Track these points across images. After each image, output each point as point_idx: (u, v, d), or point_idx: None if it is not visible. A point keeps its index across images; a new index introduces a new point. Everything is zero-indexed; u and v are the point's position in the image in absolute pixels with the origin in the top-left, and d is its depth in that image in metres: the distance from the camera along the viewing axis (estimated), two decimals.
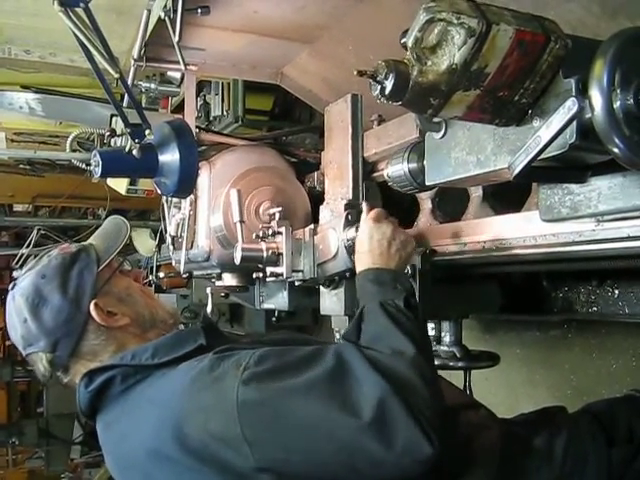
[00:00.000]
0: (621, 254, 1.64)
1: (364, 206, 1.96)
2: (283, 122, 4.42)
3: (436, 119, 1.53)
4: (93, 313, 1.74)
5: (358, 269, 1.84)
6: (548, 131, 1.16)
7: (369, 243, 1.83)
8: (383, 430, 1.40)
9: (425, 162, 1.69)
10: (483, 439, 1.84)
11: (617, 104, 1.11)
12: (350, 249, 2.04)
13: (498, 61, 1.22)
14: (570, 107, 1.13)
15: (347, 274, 2.13)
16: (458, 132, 1.53)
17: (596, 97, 1.11)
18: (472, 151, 1.49)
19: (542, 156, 1.22)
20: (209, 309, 2.83)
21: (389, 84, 1.22)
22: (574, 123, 1.17)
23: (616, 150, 1.12)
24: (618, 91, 1.12)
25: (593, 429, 1.97)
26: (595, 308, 2.53)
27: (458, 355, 2.34)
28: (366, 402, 1.41)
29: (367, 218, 1.90)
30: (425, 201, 2.32)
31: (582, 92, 1.17)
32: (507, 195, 2.03)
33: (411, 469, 1.43)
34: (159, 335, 1.78)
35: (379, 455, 1.41)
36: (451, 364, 2.34)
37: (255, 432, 1.44)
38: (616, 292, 2.45)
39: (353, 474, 1.46)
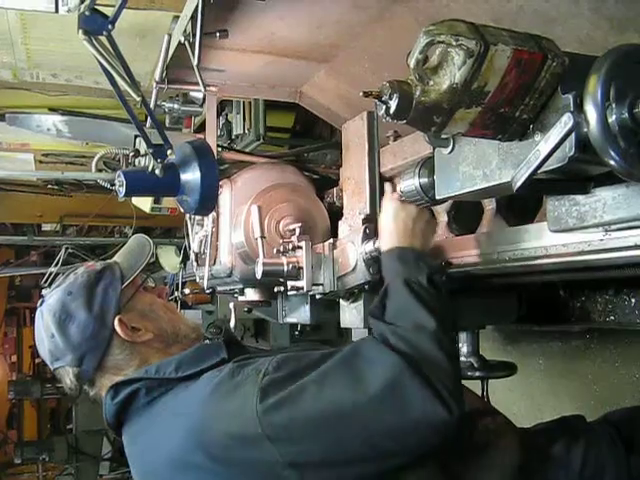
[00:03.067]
0: (630, 263, 1.67)
1: (387, 187, 1.98)
2: (304, 139, 4.45)
3: (444, 135, 1.57)
4: (117, 328, 1.80)
5: (382, 248, 1.87)
6: (547, 145, 1.21)
7: (394, 221, 1.86)
8: (396, 400, 1.44)
9: (435, 177, 1.73)
10: (500, 445, 1.86)
11: (612, 118, 1.15)
12: (369, 262, 2.08)
13: (497, 79, 1.27)
14: (566, 122, 1.17)
15: (366, 287, 2.16)
16: (465, 147, 1.57)
17: (591, 112, 1.15)
18: (479, 165, 1.53)
19: (543, 169, 1.26)
20: (232, 324, 2.87)
21: (393, 104, 1.27)
22: (572, 137, 1.21)
23: (612, 162, 1.15)
24: (613, 105, 1.15)
25: (612, 438, 1.98)
26: (612, 317, 2.54)
27: (475, 365, 2.37)
28: (377, 378, 1.46)
29: (392, 197, 1.93)
30: (441, 214, 2.35)
31: (580, 107, 1.21)
32: (520, 207, 2.07)
33: (431, 437, 1.47)
34: (182, 350, 1.83)
35: (396, 425, 1.45)
36: (469, 374, 2.35)
37: (276, 430, 1.48)
38: (632, 301, 2.46)
39: (375, 452, 1.50)
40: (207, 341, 1.93)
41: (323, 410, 1.49)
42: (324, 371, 1.53)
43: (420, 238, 1.84)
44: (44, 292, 1.92)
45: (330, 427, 1.49)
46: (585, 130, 1.18)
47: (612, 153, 1.14)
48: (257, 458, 1.50)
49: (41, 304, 1.88)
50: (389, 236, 1.86)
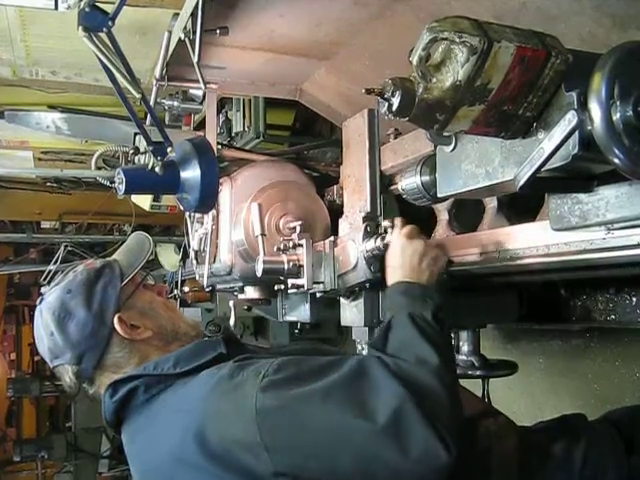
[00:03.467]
0: (632, 262, 1.66)
1: (397, 222, 1.98)
2: (304, 137, 4.46)
3: (446, 133, 1.56)
4: (117, 326, 1.79)
5: (389, 282, 1.87)
6: (550, 143, 1.20)
7: (401, 258, 1.85)
8: (399, 436, 1.41)
9: (437, 175, 1.72)
10: (502, 447, 1.86)
11: (617, 116, 1.14)
12: (370, 260, 2.07)
13: (501, 77, 1.26)
14: (570, 120, 1.17)
15: (367, 285, 2.16)
16: (467, 145, 1.57)
17: (595, 110, 1.14)
18: (481, 163, 1.52)
19: (546, 167, 1.25)
20: (232, 322, 2.87)
21: (396, 101, 1.27)
22: (576, 135, 1.20)
23: (616, 161, 1.15)
24: (617, 103, 1.15)
25: (613, 437, 1.97)
26: (613, 316, 2.53)
27: (476, 364, 2.36)
28: (382, 408, 1.44)
29: (400, 234, 1.92)
30: (442, 212, 2.35)
31: (583, 105, 1.20)
32: (522, 205, 2.06)
33: (427, 477, 1.44)
34: (181, 347, 1.83)
35: (395, 461, 1.42)
36: (469, 373, 2.35)
37: (273, 438, 1.47)
38: (634, 300, 2.46)
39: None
40: (206, 338, 1.92)
41: (324, 429, 1.47)
42: (328, 387, 1.51)
43: (427, 274, 1.83)
44: (43, 290, 1.91)
45: (328, 448, 1.47)
46: (589, 128, 1.17)
47: (616, 151, 1.13)
48: (251, 464, 1.49)
49: (40, 302, 1.87)
50: (396, 271, 1.86)
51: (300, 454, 1.48)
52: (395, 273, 1.86)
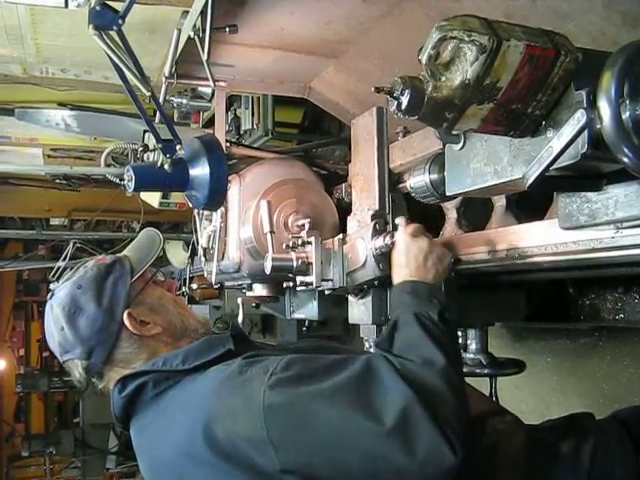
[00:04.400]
0: None
1: (402, 221, 1.98)
2: (313, 134, 4.45)
3: (455, 131, 1.56)
4: (126, 322, 1.80)
5: (395, 281, 1.87)
6: (559, 142, 1.20)
7: (406, 257, 1.85)
8: (406, 437, 1.42)
9: (445, 173, 1.72)
10: (509, 445, 1.86)
11: (626, 114, 1.14)
12: (378, 258, 2.07)
13: (510, 75, 1.27)
14: (579, 118, 1.17)
15: (375, 282, 2.16)
16: (476, 144, 1.57)
17: (604, 108, 1.14)
18: (490, 162, 1.52)
19: (555, 166, 1.25)
20: (240, 319, 2.87)
21: (405, 99, 1.27)
22: (585, 133, 1.20)
23: (626, 159, 1.15)
24: (627, 102, 1.15)
25: (620, 436, 1.97)
26: (622, 315, 2.53)
27: (484, 362, 2.36)
28: (390, 409, 1.44)
29: (405, 233, 1.92)
30: (450, 211, 2.35)
31: (593, 103, 1.20)
32: (530, 204, 2.06)
33: (433, 478, 1.45)
34: (190, 344, 1.83)
35: (401, 463, 1.42)
36: (477, 371, 2.35)
37: (280, 435, 1.47)
38: None
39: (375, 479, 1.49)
40: (214, 335, 1.92)
41: (330, 428, 1.47)
42: (336, 386, 1.51)
43: (433, 272, 1.83)
44: (52, 286, 1.92)
45: (334, 447, 1.47)
46: (598, 127, 1.17)
47: (625, 150, 1.13)
48: (257, 461, 1.49)
49: (51, 297, 1.88)
50: (401, 270, 1.86)
51: (306, 452, 1.48)
52: (400, 272, 1.86)
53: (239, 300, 2.94)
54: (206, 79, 2.41)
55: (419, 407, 1.43)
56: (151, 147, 3.07)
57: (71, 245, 5.82)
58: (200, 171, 2.04)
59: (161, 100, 2.43)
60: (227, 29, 2.26)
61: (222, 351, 1.71)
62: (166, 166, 2.00)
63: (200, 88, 3.08)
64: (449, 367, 1.55)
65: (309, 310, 2.80)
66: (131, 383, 1.73)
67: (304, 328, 4.42)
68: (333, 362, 1.60)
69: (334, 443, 1.47)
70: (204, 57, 2.23)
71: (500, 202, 2.13)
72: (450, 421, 1.45)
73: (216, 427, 1.54)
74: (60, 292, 1.85)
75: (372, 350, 2.18)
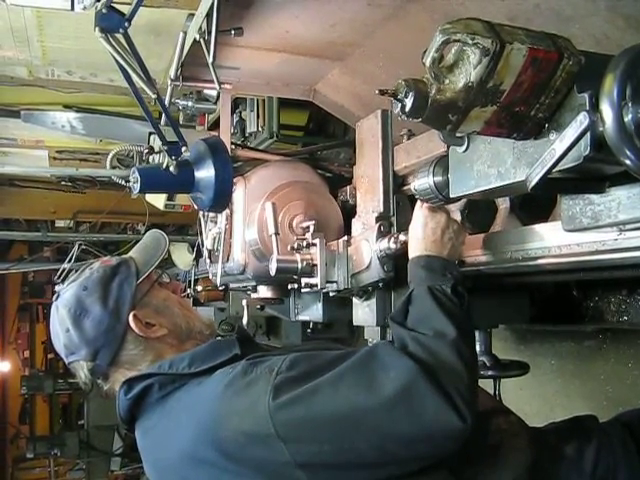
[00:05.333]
0: None
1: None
2: (318, 137, 4.47)
3: (458, 134, 1.57)
4: (132, 324, 1.80)
5: (410, 255, 1.87)
6: (562, 144, 1.21)
7: (423, 230, 1.85)
8: (410, 407, 1.44)
9: (449, 175, 1.73)
10: (512, 445, 1.85)
11: (628, 117, 1.14)
12: (383, 260, 2.08)
13: (513, 78, 1.27)
14: (582, 121, 1.17)
15: (380, 284, 2.17)
16: (480, 146, 1.57)
17: (607, 111, 1.15)
18: (493, 164, 1.53)
19: (558, 168, 1.26)
20: (244, 321, 2.88)
21: (409, 102, 1.28)
22: (588, 136, 1.20)
23: (628, 162, 1.15)
24: (629, 104, 1.15)
25: (624, 438, 1.97)
26: (626, 317, 2.53)
27: (488, 364, 2.36)
28: (391, 383, 1.46)
29: (423, 206, 1.92)
30: (454, 213, 2.34)
31: (595, 106, 1.21)
32: (534, 206, 2.06)
33: (443, 445, 1.47)
34: (195, 346, 1.83)
35: (408, 431, 1.45)
36: (481, 373, 2.35)
37: (288, 430, 1.48)
38: None
39: (387, 457, 1.50)
40: (220, 338, 1.93)
41: (336, 412, 1.49)
42: (338, 373, 1.53)
43: (448, 247, 1.83)
44: (58, 287, 1.92)
45: (342, 430, 1.48)
46: (600, 129, 1.18)
47: (628, 152, 1.14)
48: (268, 457, 1.51)
49: (56, 299, 1.89)
50: (417, 244, 1.86)
51: (315, 441, 1.49)
52: (417, 245, 1.86)
53: (244, 302, 2.94)
54: (211, 81, 2.41)
55: (422, 377, 1.45)
56: (156, 149, 3.08)
57: (76, 247, 5.80)
58: (205, 173, 2.05)
59: (167, 102, 2.44)
60: (232, 32, 2.26)
61: (229, 356, 1.72)
62: (171, 168, 2.02)
63: (205, 90, 3.10)
64: (460, 339, 1.56)
65: (314, 312, 2.80)
66: (137, 385, 1.74)
67: (309, 330, 4.42)
68: (336, 356, 1.61)
69: (341, 426, 1.48)
70: (209, 60, 2.24)
71: (504, 204, 2.14)
72: (460, 389, 1.47)
73: (222, 428, 1.55)
74: (66, 293, 1.86)
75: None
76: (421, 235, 1.85)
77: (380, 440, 1.48)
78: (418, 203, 1.96)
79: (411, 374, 1.46)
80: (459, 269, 1.81)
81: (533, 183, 1.28)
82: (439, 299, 1.66)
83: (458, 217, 2.31)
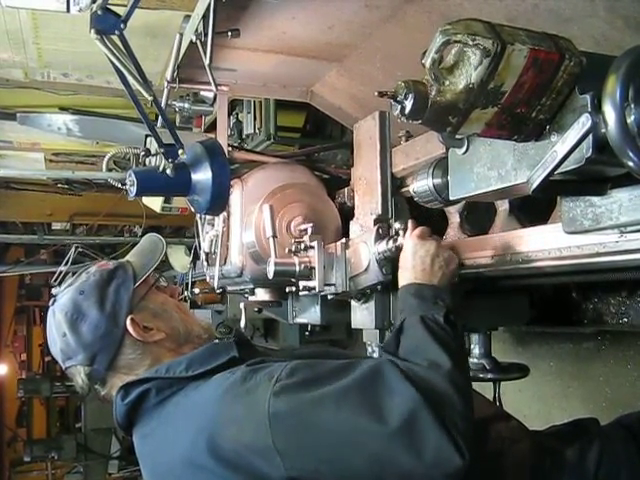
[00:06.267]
0: None
1: (409, 223, 1.97)
2: (315, 139, 4.45)
3: (458, 135, 1.56)
4: (129, 328, 1.79)
5: (401, 283, 1.86)
6: (564, 146, 1.19)
7: (412, 259, 1.84)
8: (412, 440, 1.41)
9: (449, 177, 1.71)
10: (514, 451, 1.85)
11: (631, 118, 1.13)
12: (381, 262, 2.07)
13: (514, 79, 1.26)
14: (584, 123, 1.16)
15: (378, 287, 2.16)
16: (480, 148, 1.56)
17: (609, 112, 1.14)
18: (493, 166, 1.52)
19: (560, 170, 1.25)
20: (242, 324, 2.87)
21: (409, 104, 1.26)
22: (590, 137, 1.19)
23: (631, 164, 1.14)
24: (632, 106, 1.14)
25: (625, 441, 1.96)
26: (625, 319, 2.52)
27: (487, 367, 2.35)
28: (396, 412, 1.43)
29: (412, 235, 1.91)
30: (453, 215, 2.34)
31: (597, 107, 1.20)
32: (534, 208, 2.05)
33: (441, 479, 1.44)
34: (193, 349, 1.82)
35: (408, 465, 1.42)
36: (481, 376, 2.34)
37: (286, 442, 1.46)
38: None
39: None
40: (217, 341, 1.91)
41: (337, 432, 1.46)
42: (343, 389, 1.50)
43: (439, 276, 1.82)
44: (54, 291, 1.91)
45: (341, 452, 1.46)
46: (603, 131, 1.17)
47: (630, 154, 1.13)
48: (263, 469, 1.48)
49: (53, 303, 1.87)
50: (407, 273, 1.85)
51: (313, 458, 1.47)
52: (406, 274, 1.85)
53: (241, 305, 2.93)
54: (208, 83, 2.41)
55: (426, 409, 1.43)
56: (153, 152, 3.05)
57: (73, 250, 5.81)
58: (202, 176, 2.03)
59: (163, 104, 2.43)
60: (229, 33, 2.25)
61: (226, 359, 1.70)
62: (168, 171, 2.00)
63: (202, 92, 3.09)
64: (455, 369, 1.54)
65: (312, 315, 2.79)
66: (134, 390, 1.72)
67: (307, 332, 4.42)
68: (338, 367, 1.59)
69: (340, 447, 1.46)
70: (206, 61, 2.23)
71: (503, 206, 2.12)
72: (457, 423, 1.44)
73: (220, 435, 1.53)
74: (62, 298, 1.84)
75: (376, 354, 2.18)
76: (410, 264, 1.84)
77: (378, 467, 1.45)
78: (408, 232, 1.94)
79: (415, 404, 1.43)
80: (450, 297, 1.79)
81: (535, 185, 1.27)
82: (431, 328, 1.64)
83: (457, 219, 2.31)
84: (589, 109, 1.23)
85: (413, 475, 1.44)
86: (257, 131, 4.14)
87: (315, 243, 2.20)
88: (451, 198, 1.73)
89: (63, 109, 4.09)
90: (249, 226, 2.57)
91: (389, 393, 1.47)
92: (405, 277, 1.85)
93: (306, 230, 2.34)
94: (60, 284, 1.92)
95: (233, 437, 1.52)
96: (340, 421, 1.46)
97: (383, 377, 1.51)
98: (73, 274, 1.95)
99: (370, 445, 1.44)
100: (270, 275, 2.19)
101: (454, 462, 1.40)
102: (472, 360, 2.38)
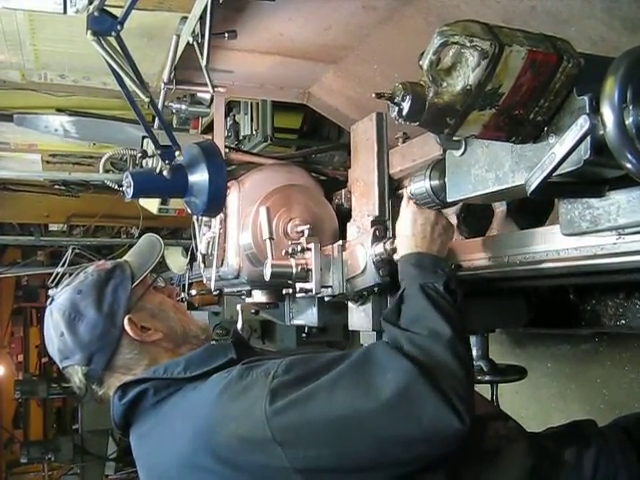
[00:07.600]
0: None
1: (405, 192, 1.98)
2: (312, 140, 4.44)
3: (456, 137, 1.55)
4: (127, 328, 1.79)
5: (400, 253, 1.86)
6: (562, 148, 1.19)
7: (412, 227, 1.85)
8: (409, 409, 1.43)
9: (446, 179, 1.71)
10: (511, 451, 1.84)
11: (629, 120, 1.13)
12: (378, 264, 2.07)
13: (512, 81, 1.26)
14: (582, 124, 1.16)
15: (375, 289, 2.16)
16: (477, 149, 1.56)
17: (607, 114, 1.13)
18: (491, 168, 1.51)
19: (558, 172, 1.24)
20: (239, 325, 2.86)
21: (406, 105, 1.26)
22: (588, 139, 1.19)
23: (629, 165, 1.14)
24: (630, 107, 1.13)
25: (623, 443, 1.96)
26: (623, 321, 2.51)
27: (485, 369, 2.35)
28: (390, 386, 1.45)
29: (410, 203, 1.91)
30: (451, 217, 2.33)
31: (595, 109, 1.19)
32: (531, 209, 2.05)
33: (442, 446, 1.46)
34: (191, 350, 1.83)
35: (406, 433, 1.44)
36: (478, 378, 2.34)
37: (286, 435, 1.47)
38: None
39: (386, 459, 1.49)
40: (215, 342, 1.92)
41: (333, 416, 1.47)
42: (335, 376, 1.52)
43: (438, 244, 1.83)
44: (52, 292, 1.91)
45: (340, 433, 1.47)
46: (601, 132, 1.16)
47: (629, 156, 1.12)
48: (265, 463, 1.49)
49: (50, 303, 1.87)
50: (406, 241, 1.85)
51: (313, 445, 1.48)
52: (406, 243, 1.85)
53: (238, 306, 2.92)
54: (205, 85, 2.40)
55: (421, 378, 1.44)
56: (150, 153, 3.05)
57: (70, 251, 5.81)
58: (199, 177, 2.03)
59: (160, 106, 2.43)
60: (226, 35, 2.25)
61: (224, 360, 1.70)
62: (165, 172, 2.00)
63: (199, 94, 3.08)
64: (455, 337, 1.56)
65: (309, 316, 2.79)
66: (131, 390, 1.73)
67: (304, 334, 4.42)
68: (332, 358, 1.60)
69: (339, 429, 1.47)
70: (203, 63, 2.23)
71: (501, 208, 2.13)
72: (457, 389, 1.46)
73: (218, 435, 1.54)
74: (60, 298, 1.84)
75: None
76: (410, 232, 1.85)
77: (379, 442, 1.46)
78: (404, 200, 1.94)
79: (409, 375, 1.45)
80: (450, 265, 1.79)
81: (532, 187, 1.26)
82: (432, 297, 1.65)
83: (454, 221, 2.30)
84: (587, 111, 1.23)
85: (413, 443, 1.46)
86: (254, 132, 4.13)
87: (312, 245, 2.19)
88: (448, 200, 1.73)
89: (60, 110, 4.08)
90: (246, 228, 2.57)
91: (382, 371, 1.49)
92: (405, 245, 1.86)
93: (303, 232, 2.34)
94: (57, 285, 1.93)
95: (231, 435, 1.52)
96: (335, 404, 1.48)
97: (374, 357, 1.53)
98: (70, 275, 1.95)
99: (367, 423, 1.45)
100: (267, 277, 2.19)
101: (453, 426, 1.42)
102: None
